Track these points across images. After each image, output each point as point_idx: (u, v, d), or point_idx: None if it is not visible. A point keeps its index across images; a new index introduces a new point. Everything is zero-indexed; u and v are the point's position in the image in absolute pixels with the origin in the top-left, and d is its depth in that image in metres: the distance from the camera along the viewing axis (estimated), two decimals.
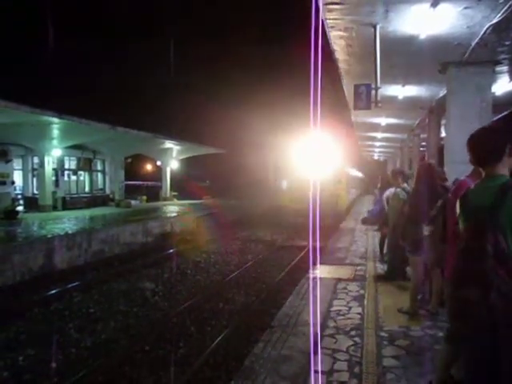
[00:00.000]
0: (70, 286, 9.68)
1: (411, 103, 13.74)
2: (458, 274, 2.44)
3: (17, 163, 20.89)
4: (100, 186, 26.74)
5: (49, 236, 11.54)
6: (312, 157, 15.32)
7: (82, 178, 25.26)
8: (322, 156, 15.75)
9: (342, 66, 9.94)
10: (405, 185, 6.72)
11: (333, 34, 8.01)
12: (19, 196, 20.80)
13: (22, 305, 8.34)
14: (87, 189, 25.49)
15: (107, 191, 26.50)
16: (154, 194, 30.54)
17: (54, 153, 20.31)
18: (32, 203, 20.00)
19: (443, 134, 13.83)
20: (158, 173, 32.72)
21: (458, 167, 5.91)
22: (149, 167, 42.51)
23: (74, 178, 24.42)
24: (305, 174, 17.06)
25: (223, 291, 9.49)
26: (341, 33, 7.94)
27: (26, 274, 10.13)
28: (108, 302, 8.80)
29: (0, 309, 7.97)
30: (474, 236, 2.31)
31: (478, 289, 2.19)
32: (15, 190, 20.57)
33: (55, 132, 18.71)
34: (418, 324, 5.04)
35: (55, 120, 16.27)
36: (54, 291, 9.28)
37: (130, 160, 33.80)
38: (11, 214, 14.39)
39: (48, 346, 6.36)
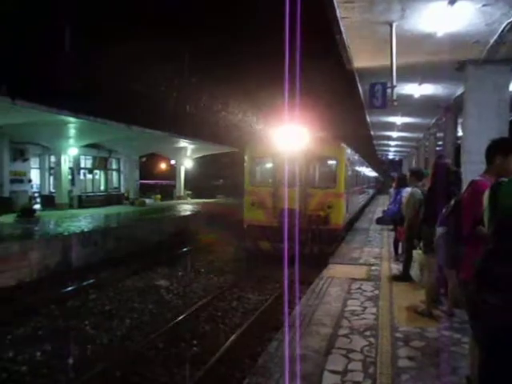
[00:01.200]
0: (85, 283, 9.80)
1: (428, 102, 13.61)
2: (482, 276, 2.35)
3: (34, 162, 21.23)
4: (115, 184, 27.04)
5: (65, 234, 11.71)
6: (289, 141, 10.85)
7: (97, 176, 25.57)
8: (303, 140, 10.99)
9: (357, 64, 9.88)
10: (421, 184, 6.65)
11: (348, 33, 7.96)
12: (36, 194, 21.13)
13: (39, 301, 8.46)
14: (102, 187, 25.80)
15: (122, 190, 26.78)
16: (167, 192, 30.75)
17: (71, 152, 20.59)
18: (48, 201, 20.28)
19: (460, 133, 13.66)
20: (172, 172, 32.91)
21: (476, 167, 5.82)
22: (163, 166, 42.75)
23: (89, 176, 24.73)
24: (276, 168, 11.58)
25: (237, 289, 9.51)
26: (356, 31, 7.90)
27: (42, 271, 10.28)
28: (123, 299, 8.88)
29: (18, 305, 8.13)
30: (503, 237, 2.21)
31: (504, 293, 2.12)
32: (32, 188, 20.91)
33: (72, 131, 18.95)
34: (434, 325, 4.98)
35: (71, 119, 16.47)
36: (69, 288, 9.41)
37: (144, 159, 34.09)
38: (28, 212, 14.60)
39: (65, 342, 6.45)
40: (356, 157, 17.06)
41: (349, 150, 13.32)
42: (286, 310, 5.70)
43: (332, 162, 11.89)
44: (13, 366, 5.80)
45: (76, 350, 6.30)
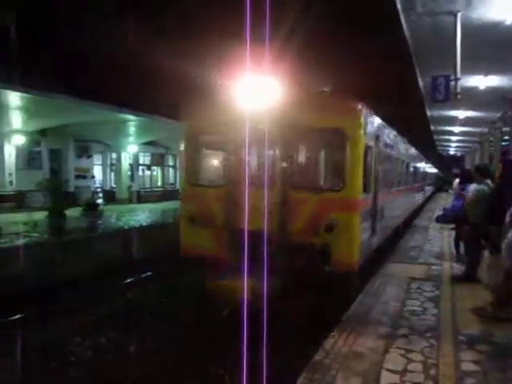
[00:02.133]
0: (143, 275, 10.15)
1: (493, 94, 12.90)
2: None
3: (96, 159, 22.31)
4: (171, 180, 27.82)
5: (125, 228, 12.21)
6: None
7: (154, 173, 26.45)
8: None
9: (418, 56, 9.55)
10: (488, 181, 6.30)
11: (409, 24, 7.71)
12: (98, 189, 22.18)
13: (103, 291, 8.86)
14: (159, 183, 26.65)
15: (178, 186, 27.51)
16: None
17: (130, 149, 21.43)
18: (110, 196, 21.25)
19: None
20: None
21: None
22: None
23: (147, 172, 25.65)
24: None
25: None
26: (418, 22, 7.62)
27: (105, 262, 10.73)
28: (180, 293, 9.09)
29: (84, 294, 8.57)
30: None
31: None
32: (95, 183, 21.98)
33: (131, 129, 19.72)
34: (500, 328, 4.74)
35: (131, 117, 17.12)
36: (129, 280, 9.79)
37: None
38: (93, 206, 15.33)
39: (127, 331, 6.75)
40: (398, 138, 10.36)
41: (376, 120, 7.20)
42: None
43: (337, 141, 6.11)
44: (80, 351, 6.15)
45: (137, 340, 6.55)
